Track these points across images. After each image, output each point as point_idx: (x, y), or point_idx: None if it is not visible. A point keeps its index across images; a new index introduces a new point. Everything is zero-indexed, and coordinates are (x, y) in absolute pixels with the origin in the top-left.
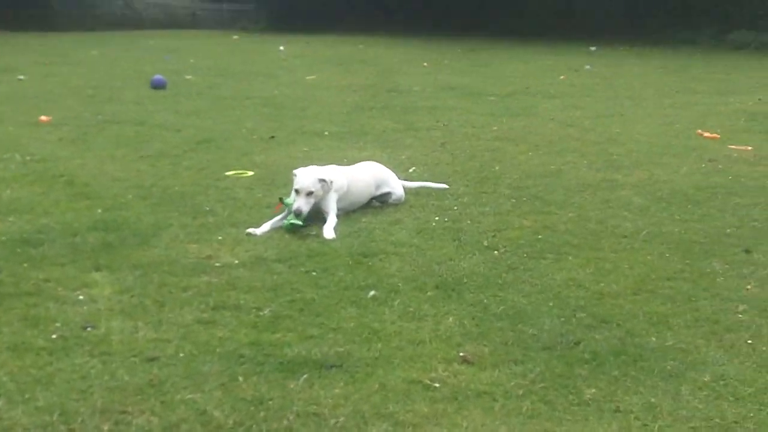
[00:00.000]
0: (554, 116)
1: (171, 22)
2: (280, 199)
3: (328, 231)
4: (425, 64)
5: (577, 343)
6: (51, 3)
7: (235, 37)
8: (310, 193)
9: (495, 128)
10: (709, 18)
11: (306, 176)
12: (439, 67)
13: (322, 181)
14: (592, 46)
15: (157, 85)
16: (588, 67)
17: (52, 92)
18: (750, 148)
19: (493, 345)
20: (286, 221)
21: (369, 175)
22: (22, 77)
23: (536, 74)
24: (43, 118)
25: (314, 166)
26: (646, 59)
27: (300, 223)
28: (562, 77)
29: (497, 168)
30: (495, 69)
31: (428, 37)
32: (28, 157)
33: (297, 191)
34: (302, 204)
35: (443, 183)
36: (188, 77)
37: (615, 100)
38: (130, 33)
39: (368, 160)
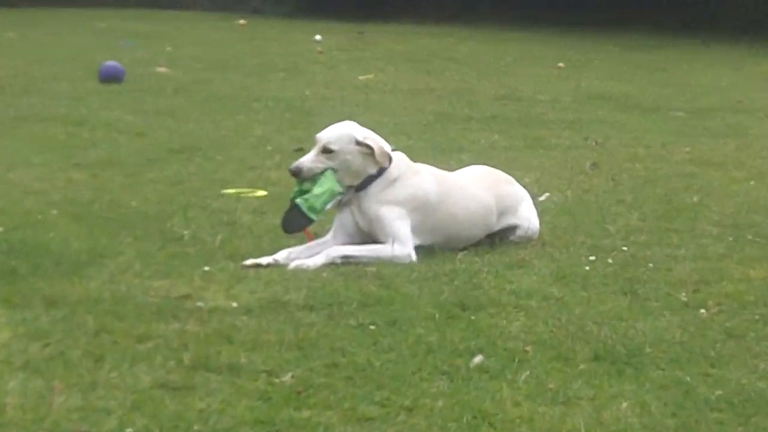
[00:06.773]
0: None
1: None
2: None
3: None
4: (560, 64)
5: None
6: None
7: (242, 21)
8: (328, 151)
9: (687, 149)
10: None
11: (333, 128)
12: (582, 70)
13: (361, 144)
14: None
15: (109, 76)
16: None
17: None
18: None
19: None
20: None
21: (489, 192)
22: None
23: (751, 85)
24: None
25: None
26: None
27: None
28: None
29: (695, 199)
30: (678, 75)
31: (562, 29)
32: None
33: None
34: (307, 159)
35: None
36: (161, 69)
37: None
38: (71, 10)
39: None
